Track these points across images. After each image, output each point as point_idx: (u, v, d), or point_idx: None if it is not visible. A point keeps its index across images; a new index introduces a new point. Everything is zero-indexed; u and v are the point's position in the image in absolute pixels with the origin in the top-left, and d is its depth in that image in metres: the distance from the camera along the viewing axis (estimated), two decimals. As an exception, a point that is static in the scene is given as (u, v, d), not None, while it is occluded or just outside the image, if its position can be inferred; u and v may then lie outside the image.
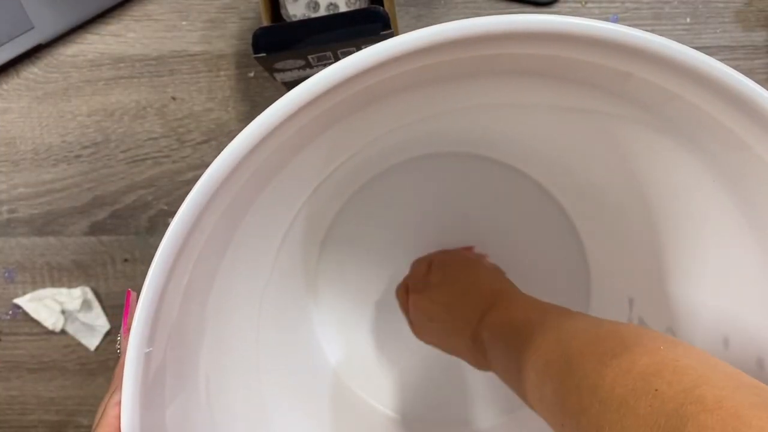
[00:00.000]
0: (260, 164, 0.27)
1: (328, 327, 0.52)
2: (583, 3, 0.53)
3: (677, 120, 0.30)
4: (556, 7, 0.53)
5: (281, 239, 0.43)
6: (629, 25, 0.56)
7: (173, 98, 0.54)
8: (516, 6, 0.53)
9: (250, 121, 0.24)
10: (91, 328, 0.55)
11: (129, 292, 0.31)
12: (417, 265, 0.49)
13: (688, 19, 0.52)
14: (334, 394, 0.50)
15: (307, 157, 0.34)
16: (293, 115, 0.24)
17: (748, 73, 0.52)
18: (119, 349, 0.31)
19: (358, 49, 0.45)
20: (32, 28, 0.52)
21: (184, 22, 0.54)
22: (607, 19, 0.52)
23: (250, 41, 0.43)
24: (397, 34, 0.47)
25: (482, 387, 0.50)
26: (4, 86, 0.54)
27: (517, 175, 0.50)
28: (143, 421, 0.26)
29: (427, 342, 0.46)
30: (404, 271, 0.52)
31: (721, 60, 0.48)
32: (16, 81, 0.54)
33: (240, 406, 0.38)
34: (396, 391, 0.52)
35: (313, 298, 0.51)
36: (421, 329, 0.46)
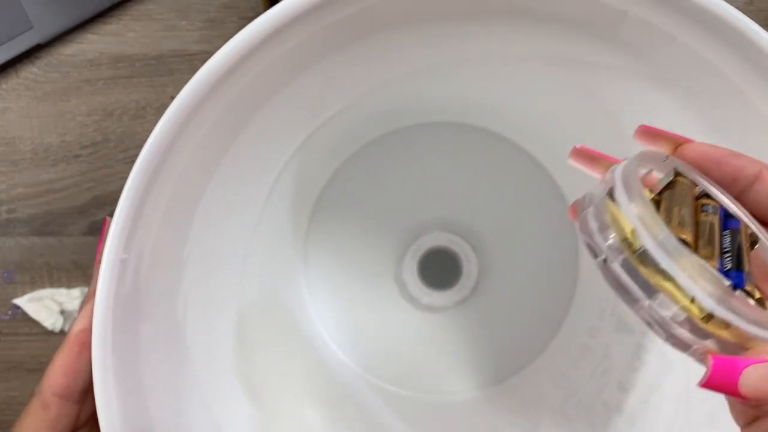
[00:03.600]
0: (242, 89, 0.27)
1: (319, 292, 0.51)
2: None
3: (671, 67, 0.29)
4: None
5: (268, 191, 0.42)
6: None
7: (172, 98, 0.54)
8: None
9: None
10: (90, 329, 0.55)
11: (107, 219, 0.30)
12: None
13: (689, 19, 0.52)
14: (319, 358, 0.50)
15: (291, 98, 0.34)
16: (281, 30, 0.24)
17: (748, 72, 0.52)
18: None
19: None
20: (31, 27, 0.52)
21: (183, 22, 0.54)
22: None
23: (250, 41, 0.43)
24: None
25: (471, 359, 0.50)
26: (3, 86, 0.54)
27: (510, 146, 0.50)
28: (115, 333, 0.26)
29: None
30: (399, 241, 0.52)
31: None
32: (15, 81, 0.54)
33: (220, 349, 0.38)
34: (385, 360, 0.51)
35: (303, 262, 0.51)
36: None
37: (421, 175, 0.51)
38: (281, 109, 0.34)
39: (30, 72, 0.54)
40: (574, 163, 0.28)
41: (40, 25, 0.52)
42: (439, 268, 0.51)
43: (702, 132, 0.31)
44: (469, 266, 0.50)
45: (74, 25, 0.53)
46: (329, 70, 0.33)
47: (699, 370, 0.21)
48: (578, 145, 0.27)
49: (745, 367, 0.19)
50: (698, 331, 0.19)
